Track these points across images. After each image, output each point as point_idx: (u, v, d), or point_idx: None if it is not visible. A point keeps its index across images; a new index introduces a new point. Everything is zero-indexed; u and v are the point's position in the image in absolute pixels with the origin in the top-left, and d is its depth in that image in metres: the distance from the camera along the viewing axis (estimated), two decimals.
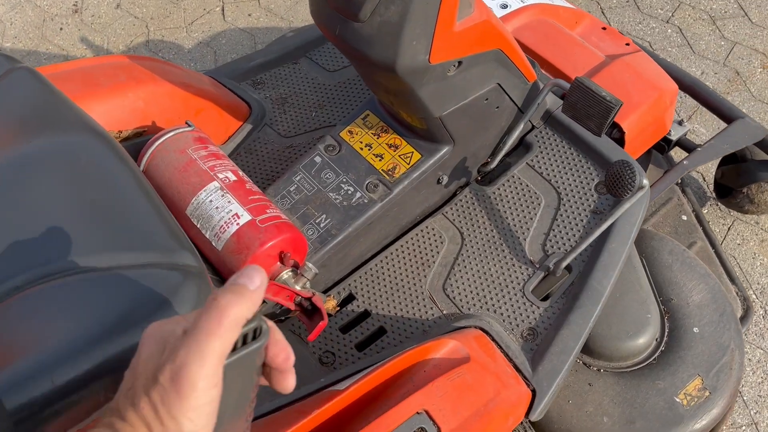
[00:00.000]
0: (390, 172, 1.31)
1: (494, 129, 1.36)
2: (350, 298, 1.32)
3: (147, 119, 1.32)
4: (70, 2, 2.66)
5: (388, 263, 1.35)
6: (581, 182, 1.38)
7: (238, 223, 1.11)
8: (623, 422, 1.37)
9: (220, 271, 1.13)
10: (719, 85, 2.29)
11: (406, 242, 1.37)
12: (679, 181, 1.86)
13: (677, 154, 1.85)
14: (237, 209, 1.12)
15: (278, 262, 1.10)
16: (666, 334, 1.48)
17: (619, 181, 1.15)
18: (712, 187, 2.00)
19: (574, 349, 1.20)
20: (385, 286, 1.33)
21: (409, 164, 1.30)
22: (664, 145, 1.74)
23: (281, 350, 0.53)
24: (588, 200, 1.36)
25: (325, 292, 1.32)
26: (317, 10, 1.04)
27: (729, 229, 1.95)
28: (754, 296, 1.82)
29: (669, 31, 2.46)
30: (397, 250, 1.37)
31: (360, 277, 1.34)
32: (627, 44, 1.78)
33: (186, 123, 1.27)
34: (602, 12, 2.54)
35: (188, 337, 0.47)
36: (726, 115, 1.78)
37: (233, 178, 1.18)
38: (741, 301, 1.69)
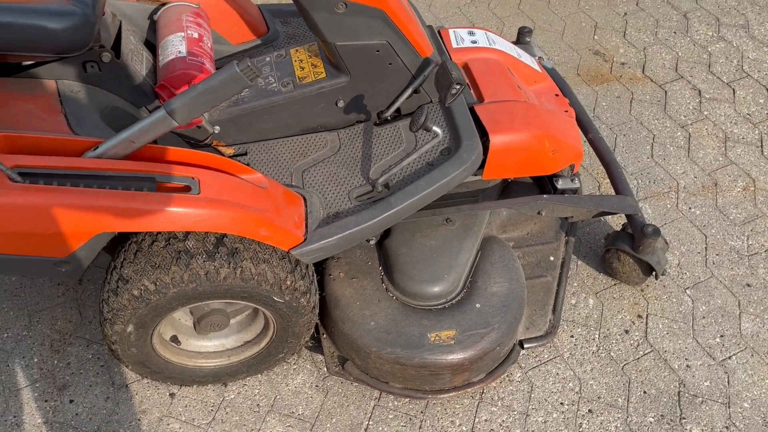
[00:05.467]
0: (302, 79, 1.84)
1: (390, 84, 1.83)
2: (243, 154, 1.85)
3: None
4: None
5: (280, 145, 1.87)
6: (437, 144, 1.78)
7: (176, 55, 1.71)
8: (382, 330, 1.75)
9: (158, 78, 1.73)
10: (690, 186, 2.50)
11: (301, 139, 1.88)
12: (566, 235, 2.14)
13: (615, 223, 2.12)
14: (181, 49, 1.72)
15: (186, 86, 1.68)
16: (456, 299, 1.82)
17: (413, 119, 1.58)
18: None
19: (350, 230, 1.62)
20: (269, 157, 1.84)
21: (315, 78, 1.83)
22: (551, 190, 2.06)
23: None
24: (431, 156, 1.77)
25: (230, 145, 1.87)
26: None
27: (614, 284, 2.18)
28: (597, 336, 2.04)
29: (678, 133, 2.70)
30: (292, 140, 1.88)
31: (258, 145, 1.87)
32: (566, 111, 2.14)
33: (197, 5, 1.92)
34: (631, 101, 2.84)
35: None
36: (618, 189, 2.08)
37: (195, 36, 1.79)
38: (549, 326, 1.95)
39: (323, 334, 1.87)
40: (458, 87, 1.65)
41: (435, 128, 1.63)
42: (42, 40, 1.36)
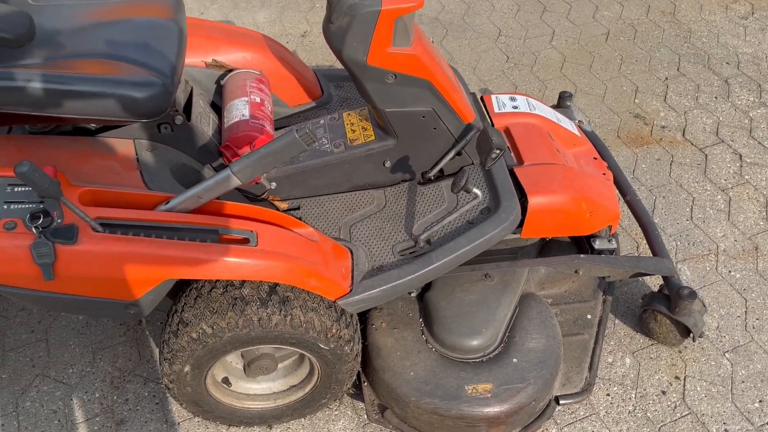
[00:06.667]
0: (352, 141, 1.98)
1: (434, 146, 1.95)
2: (296, 208, 2.00)
3: (246, 66, 2.16)
4: (302, 29, 3.77)
5: (330, 201, 2.00)
6: (477, 204, 1.89)
7: (240, 118, 1.88)
8: (421, 380, 1.83)
9: (223, 139, 1.90)
10: (730, 249, 2.52)
11: (350, 196, 2.02)
12: (603, 294, 2.19)
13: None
14: (245, 112, 1.89)
15: (248, 147, 1.84)
16: (494, 353, 1.89)
17: (454, 180, 1.70)
18: None
19: (392, 283, 1.72)
20: (320, 212, 1.98)
21: (365, 140, 1.97)
22: (588, 249, 2.13)
23: None
24: (471, 215, 1.87)
25: (285, 200, 2.02)
26: (324, 20, 1.79)
27: (652, 345, 2.21)
28: (633, 395, 2.07)
29: (719, 197, 2.74)
30: (341, 197, 2.01)
31: (310, 200, 2.01)
32: (604, 173, 2.23)
33: (259, 71, 2.10)
34: (671, 164, 2.90)
35: None
36: (655, 251, 2.14)
37: (258, 101, 1.96)
38: (585, 384, 1.99)
39: (364, 382, 1.96)
40: (498, 152, 1.76)
41: (475, 190, 1.74)
42: (126, 107, 1.53)
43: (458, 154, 1.97)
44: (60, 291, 1.49)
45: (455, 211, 1.81)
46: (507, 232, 1.83)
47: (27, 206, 1.48)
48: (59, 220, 1.46)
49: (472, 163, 2.01)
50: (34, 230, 1.42)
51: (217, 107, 2.11)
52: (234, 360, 1.90)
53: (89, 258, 1.46)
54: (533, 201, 1.93)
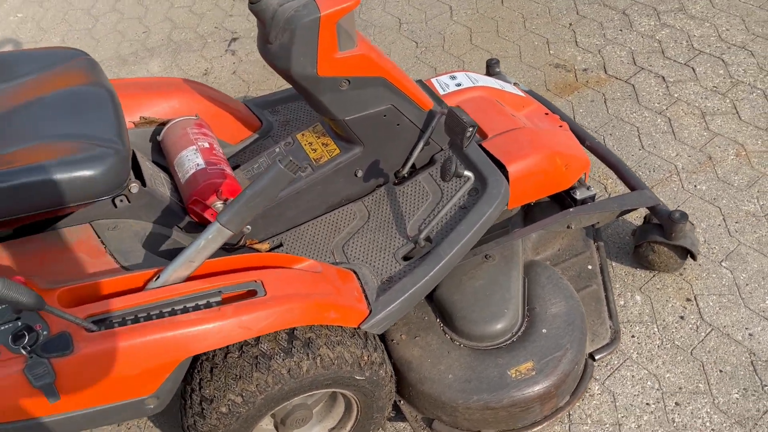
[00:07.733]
0: (317, 160, 1.87)
1: (401, 143, 1.88)
2: (279, 246, 1.87)
3: (178, 114, 2.00)
4: (202, 68, 3.59)
5: (312, 228, 1.89)
6: (467, 187, 1.83)
7: (196, 168, 1.73)
8: (462, 380, 1.75)
9: (183, 197, 1.75)
10: (688, 166, 2.59)
11: (330, 216, 1.91)
12: (594, 241, 2.21)
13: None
14: (199, 161, 1.75)
15: (215, 195, 1.69)
16: (521, 330, 1.84)
17: (443, 169, 1.63)
18: None
19: (410, 290, 1.63)
20: (305, 242, 1.86)
21: (330, 156, 1.87)
22: (571, 203, 2.12)
23: None
24: (461, 200, 1.81)
25: (264, 240, 1.88)
26: (259, 43, 1.67)
27: (654, 276, 2.23)
28: (656, 329, 2.07)
29: (659, 120, 2.82)
30: (321, 220, 1.90)
31: (290, 233, 1.89)
32: (560, 126, 2.23)
33: (195, 116, 1.95)
34: (605, 102, 2.96)
35: None
36: (632, 186, 2.15)
37: (207, 146, 1.82)
38: (612, 332, 1.98)
39: (400, 400, 1.86)
40: (471, 129, 1.70)
41: (466, 172, 1.68)
42: (84, 188, 1.36)
43: (426, 143, 1.90)
44: (70, 409, 1.31)
45: (449, 201, 1.74)
46: (502, 206, 1.79)
47: (2, 328, 1.28)
48: (45, 332, 1.27)
49: (441, 149, 1.95)
50: (22, 351, 1.23)
51: (160, 165, 1.94)
52: (263, 422, 1.75)
53: (92, 363, 1.29)
54: (512, 169, 1.89)
